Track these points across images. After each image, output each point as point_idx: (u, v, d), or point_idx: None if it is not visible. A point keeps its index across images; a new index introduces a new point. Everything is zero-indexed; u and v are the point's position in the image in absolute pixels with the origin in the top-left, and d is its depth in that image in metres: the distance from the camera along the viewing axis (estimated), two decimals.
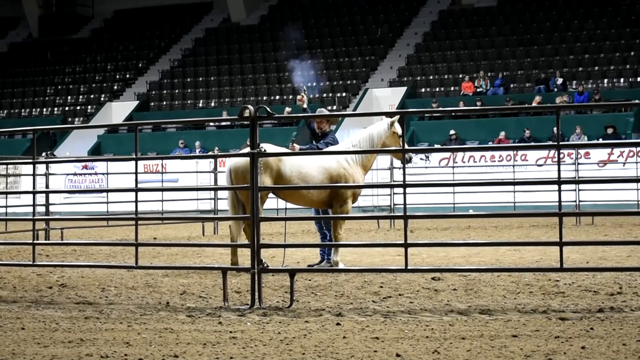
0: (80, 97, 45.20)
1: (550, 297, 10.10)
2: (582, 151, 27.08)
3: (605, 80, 36.35)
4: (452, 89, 38.32)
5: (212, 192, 24.10)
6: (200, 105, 41.74)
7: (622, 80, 36.31)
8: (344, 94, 39.73)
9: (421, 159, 30.01)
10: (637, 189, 25.54)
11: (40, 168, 20.99)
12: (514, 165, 28.75)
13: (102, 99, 44.47)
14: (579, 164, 25.53)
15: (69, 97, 45.30)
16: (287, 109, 35.41)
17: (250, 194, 10.14)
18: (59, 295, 11.12)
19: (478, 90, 36.48)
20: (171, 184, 30.11)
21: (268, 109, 10.19)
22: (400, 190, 21.92)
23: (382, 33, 43.66)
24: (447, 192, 26.90)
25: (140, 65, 46.91)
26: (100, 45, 49.25)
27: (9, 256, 16.56)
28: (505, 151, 29.63)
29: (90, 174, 32.63)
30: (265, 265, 10.20)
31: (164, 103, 42.78)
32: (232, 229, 13.00)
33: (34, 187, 13.79)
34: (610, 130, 30.49)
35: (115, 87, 45.55)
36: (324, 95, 39.93)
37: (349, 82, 40.62)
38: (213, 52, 46.00)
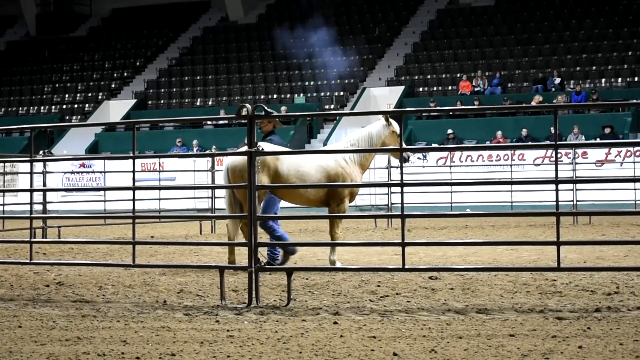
0: (78, 95, 45.18)
1: (548, 297, 10.11)
2: (579, 151, 27.06)
3: (603, 80, 36.37)
4: (450, 88, 38.32)
5: (210, 190, 24.09)
6: (198, 104, 41.74)
7: (619, 80, 36.33)
8: (341, 93, 39.74)
9: (419, 158, 30.02)
10: (635, 189, 25.55)
11: (38, 166, 20.98)
12: (511, 165, 28.74)
13: (99, 97, 44.45)
14: (576, 163, 25.52)
15: (67, 96, 45.28)
16: (284, 108, 35.56)
17: (248, 193, 10.15)
18: (56, 294, 11.12)
19: (476, 89, 36.48)
20: (168, 182, 30.10)
21: (266, 108, 10.21)
22: (398, 189, 21.91)
23: (379, 32, 43.67)
24: (445, 192, 26.92)
25: (137, 63, 46.90)
26: (98, 43, 49.24)
27: (6, 254, 16.54)
28: (502, 150, 29.61)
29: (88, 172, 32.63)
30: (263, 263, 10.19)
31: (162, 102, 42.77)
32: (230, 227, 12.99)
33: (31, 185, 13.78)
34: (607, 130, 30.50)
35: (113, 86, 45.53)
36: (322, 94, 39.95)
37: (346, 81, 40.62)
38: (211, 50, 45.99)
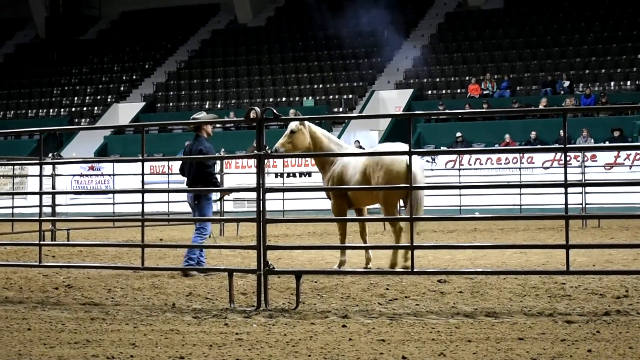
0: (87, 98, 45.28)
1: (557, 300, 10.09)
2: (588, 154, 27.01)
3: (612, 83, 36.33)
4: (459, 91, 38.32)
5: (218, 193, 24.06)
6: (207, 106, 41.75)
7: (628, 83, 36.29)
8: (350, 96, 39.75)
9: (427, 161, 29.99)
10: None
11: (47, 169, 20.99)
12: (520, 168, 28.71)
13: (108, 100, 44.55)
14: (585, 166, 25.47)
15: (76, 98, 45.38)
16: (292, 111, 35.59)
17: (257, 195, 10.15)
18: (65, 296, 11.13)
19: (484, 92, 36.46)
20: (177, 185, 30.11)
21: (274, 111, 10.21)
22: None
23: (388, 35, 43.67)
24: (454, 195, 26.87)
25: (146, 66, 46.98)
26: (107, 46, 49.34)
27: (16, 257, 16.57)
28: (511, 154, 29.60)
29: (97, 175, 32.67)
30: (271, 266, 10.19)
31: (171, 104, 42.84)
32: (402, 228, 13.16)
33: (40, 188, 13.82)
34: (616, 133, 30.43)
35: (122, 89, 45.61)
36: (331, 96, 39.96)
37: (355, 84, 40.64)
38: (219, 53, 46.06)
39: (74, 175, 32.16)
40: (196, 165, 13.44)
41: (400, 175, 12.72)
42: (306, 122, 13.51)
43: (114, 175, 28.42)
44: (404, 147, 12.82)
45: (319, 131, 13.66)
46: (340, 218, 13.23)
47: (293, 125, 13.43)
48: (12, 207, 22.56)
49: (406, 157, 12.79)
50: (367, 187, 12.93)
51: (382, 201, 13.09)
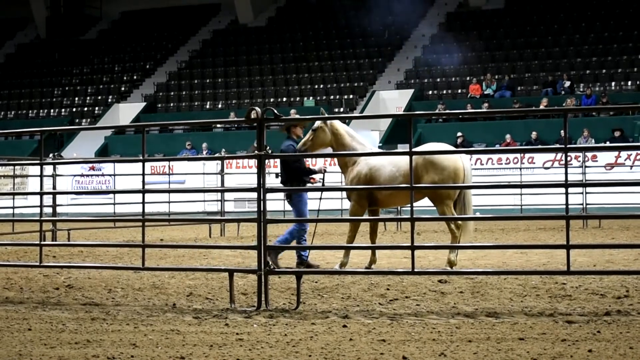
0: (88, 98, 45.29)
1: (557, 300, 10.09)
2: (589, 154, 27.01)
3: (613, 83, 36.32)
4: (459, 91, 38.30)
5: (219, 193, 24.12)
6: (208, 106, 41.79)
7: (629, 83, 36.28)
8: (351, 96, 39.74)
9: None
10: None
11: (48, 169, 20.98)
12: (520, 168, 28.71)
13: (109, 100, 44.55)
14: (586, 166, 25.46)
15: (77, 98, 45.38)
16: (293, 111, 35.56)
17: (257, 195, 10.15)
18: (66, 296, 11.13)
19: (485, 92, 36.44)
20: (178, 185, 30.14)
21: (275, 111, 10.21)
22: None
23: (389, 35, 43.66)
24: None
25: (147, 66, 46.98)
26: (108, 46, 49.34)
27: (16, 257, 16.57)
28: (512, 154, 29.60)
29: (97, 175, 32.69)
30: (272, 267, 10.19)
31: (171, 105, 42.84)
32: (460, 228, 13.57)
33: (41, 188, 13.79)
34: (617, 133, 30.43)
35: (123, 89, 45.61)
36: (331, 97, 39.96)
37: (356, 84, 40.63)
38: (220, 53, 46.06)
39: (74, 176, 32.17)
40: (282, 165, 13.76)
41: (459, 175, 13.17)
42: (329, 120, 13.69)
43: (114, 175, 28.44)
44: (447, 147, 13.02)
45: (343, 129, 13.76)
46: (352, 218, 13.26)
47: (315, 123, 13.62)
48: (13, 208, 22.57)
49: (459, 157, 13.30)
50: (368, 187, 12.95)
51: (439, 201, 13.38)
